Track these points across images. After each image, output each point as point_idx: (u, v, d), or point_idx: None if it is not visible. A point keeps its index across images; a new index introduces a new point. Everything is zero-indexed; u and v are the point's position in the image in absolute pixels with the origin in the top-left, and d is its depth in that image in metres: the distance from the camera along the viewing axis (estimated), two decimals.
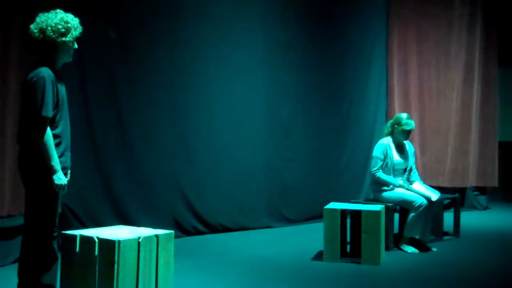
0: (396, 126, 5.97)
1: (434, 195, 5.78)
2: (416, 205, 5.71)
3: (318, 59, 7.84)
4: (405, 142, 6.06)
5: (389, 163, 5.88)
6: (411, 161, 6.07)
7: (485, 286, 4.71)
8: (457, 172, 8.80)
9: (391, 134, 6.01)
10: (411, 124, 5.94)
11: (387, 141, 5.96)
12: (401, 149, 6.01)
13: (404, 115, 6.00)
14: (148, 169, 6.23)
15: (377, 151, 5.92)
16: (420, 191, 5.88)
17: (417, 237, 5.73)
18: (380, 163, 5.86)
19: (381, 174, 5.85)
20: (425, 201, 5.72)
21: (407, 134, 5.97)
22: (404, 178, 6.01)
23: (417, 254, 5.66)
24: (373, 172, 5.90)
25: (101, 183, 5.93)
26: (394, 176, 5.92)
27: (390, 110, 8.66)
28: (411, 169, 6.06)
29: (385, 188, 5.86)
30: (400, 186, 5.85)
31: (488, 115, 9.10)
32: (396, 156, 5.93)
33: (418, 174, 6.22)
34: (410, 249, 5.73)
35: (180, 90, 6.49)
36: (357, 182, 8.25)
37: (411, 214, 5.72)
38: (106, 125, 5.96)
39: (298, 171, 7.57)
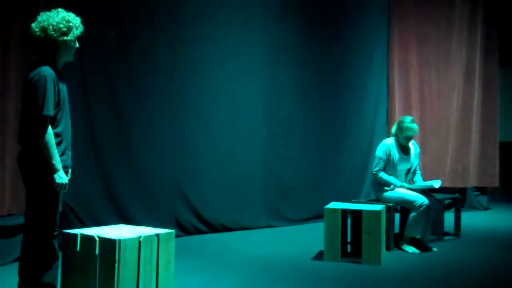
0: (399, 129, 5.94)
1: (436, 183, 5.78)
2: (417, 205, 5.70)
3: (318, 59, 7.83)
4: (410, 143, 6.04)
5: (392, 164, 5.87)
6: (415, 162, 6.05)
7: (485, 286, 4.70)
8: (457, 172, 8.80)
9: (396, 135, 6.00)
10: (414, 130, 5.89)
11: (390, 142, 5.95)
12: (405, 150, 5.99)
13: (407, 119, 5.95)
14: (149, 169, 6.23)
15: (379, 151, 5.91)
16: (420, 183, 5.89)
17: (418, 237, 5.73)
18: (382, 163, 5.86)
19: (382, 174, 5.85)
20: (426, 201, 5.72)
21: (409, 139, 5.96)
22: (407, 180, 6.00)
23: (417, 254, 5.65)
24: (374, 172, 5.90)
25: (102, 182, 5.93)
26: (397, 177, 5.91)
27: (391, 110, 8.66)
28: (415, 171, 6.05)
29: (386, 188, 5.86)
30: (401, 186, 5.85)
31: (489, 115, 9.10)
32: (399, 157, 5.92)
33: (421, 175, 6.20)
34: (410, 249, 5.73)
35: (180, 90, 6.49)
36: (357, 181, 8.24)
37: (412, 214, 5.72)
38: (107, 124, 5.96)
39: (297, 170, 7.56)
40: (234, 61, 6.92)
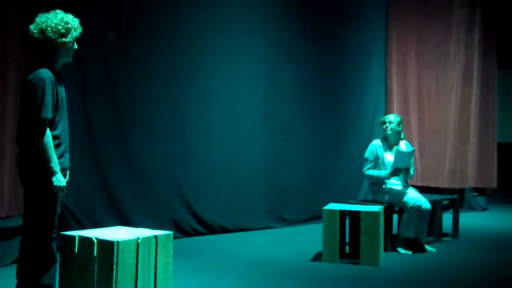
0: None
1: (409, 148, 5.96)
2: (409, 206, 5.71)
3: (317, 60, 7.84)
4: (402, 142, 6.05)
5: (380, 164, 5.88)
6: (407, 163, 6.03)
7: (483, 287, 4.71)
8: (456, 173, 8.80)
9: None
10: (385, 117, 6.09)
11: (377, 142, 5.98)
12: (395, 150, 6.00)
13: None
14: (147, 170, 6.23)
15: (367, 152, 5.97)
16: (398, 155, 5.80)
17: (411, 237, 5.74)
18: (369, 164, 5.88)
19: (369, 171, 5.85)
20: (418, 202, 5.71)
21: (384, 129, 5.96)
22: (401, 179, 6.00)
23: (416, 255, 5.65)
24: (363, 172, 5.94)
25: (100, 184, 5.92)
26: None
27: (389, 111, 8.65)
28: (408, 169, 6.00)
29: (384, 187, 5.85)
30: (386, 174, 5.77)
31: (487, 116, 9.11)
32: (388, 156, 5.91)
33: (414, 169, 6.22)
34: (403, 250, 5.72)
35: (179, 91, 6.49)
36: (356, 183, 8.25)
37: (405, 215, 5.74)
38: (105, 125, 5.96)
39: (296, 172, 7.57)
40: (234, 61, 6.92)
